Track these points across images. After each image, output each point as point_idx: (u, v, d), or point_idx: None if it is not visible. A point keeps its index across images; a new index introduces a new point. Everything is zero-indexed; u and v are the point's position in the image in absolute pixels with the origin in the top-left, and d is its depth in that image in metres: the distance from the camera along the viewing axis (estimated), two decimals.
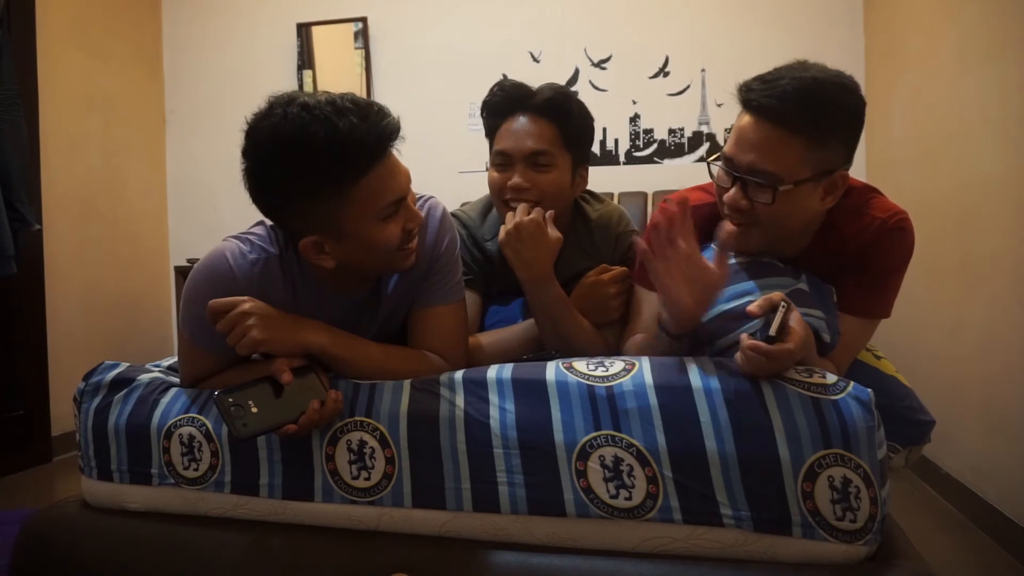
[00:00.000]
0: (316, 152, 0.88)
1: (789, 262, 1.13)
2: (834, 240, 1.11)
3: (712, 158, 1.09)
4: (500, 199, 1.34)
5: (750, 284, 1.05)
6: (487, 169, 1.41)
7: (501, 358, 1.14)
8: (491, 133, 1.37)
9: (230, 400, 0.90)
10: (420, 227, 1.04)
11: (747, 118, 1.02)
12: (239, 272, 1.00)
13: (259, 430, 0.91)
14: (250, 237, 1.05)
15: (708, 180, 1.22)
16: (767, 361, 0.86)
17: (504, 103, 1.34)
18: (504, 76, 3.26)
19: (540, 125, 1.30)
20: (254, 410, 0.91)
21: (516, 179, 1.29)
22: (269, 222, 1.05)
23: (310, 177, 0.89)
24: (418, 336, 1.12)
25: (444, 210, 1.14)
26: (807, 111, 0.96)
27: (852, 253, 1.10)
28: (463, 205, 1.54)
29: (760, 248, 1.09)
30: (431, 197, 1.14)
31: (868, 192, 1.12)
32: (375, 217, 0.95)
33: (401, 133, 0.95)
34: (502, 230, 1.26)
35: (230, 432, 0.94)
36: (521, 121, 1.31)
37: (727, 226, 1.06)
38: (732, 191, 1.04)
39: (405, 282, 1.11)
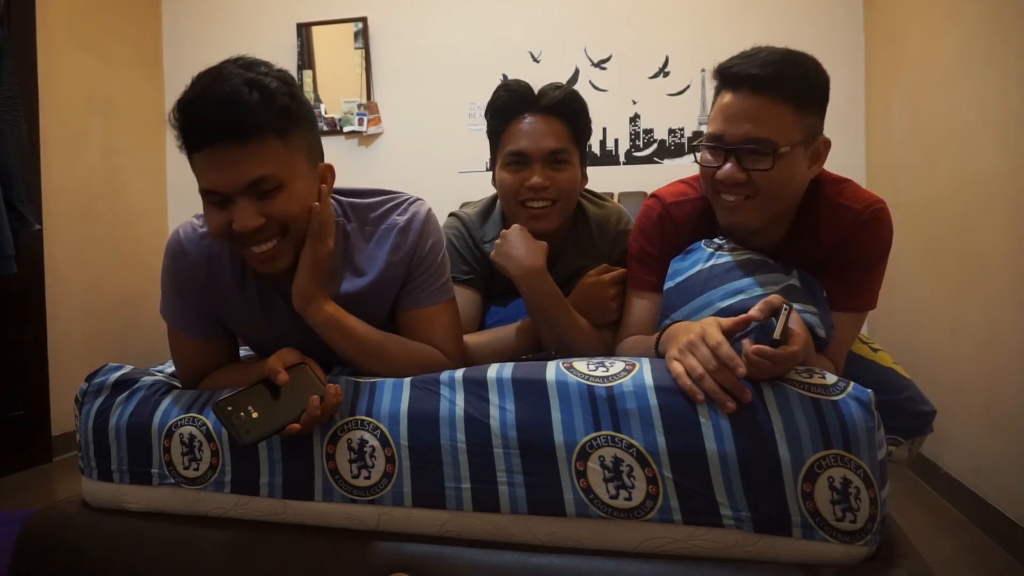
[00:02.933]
0: (174, 111, 0.94)
1: (773, 258, 1.13)
2: (810, 232, 1.12)
3: (699, 141, 1.10)
4: (516, 200, 1.32)
5: (744, 282, 1.06)
6: (489, 170, 1.40)
7: (493, 359, 1.14)
8: (496, 134, 1.37)
9: (229, 408, 0.90)
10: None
11: (729, 95, 1.04)
12: (188, 246, 1.06)
13: (262, 434, 0.91)
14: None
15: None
16: (772, 365, 0.86)
17: (512, 104, 1.33)
18: (504, 76, 3.29)
19: (553, 124, 1.31)
20: (255, 415, 0.91)
21: (536, 179, 1.29)
22: None
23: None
24: (411, 338, 1.11)
25: (429, 212, 1.13)
26: (793, 77, 1.01)
27: (829, 246, 1.11)
28: (463, 205, 1.53)
29: (759, 222, 1.10)
30: (417, 199, 1.14)
31: (842, 182, 1.14)
32: (203, 196, 0.96)
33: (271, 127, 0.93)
34: (503, 234, 1.27)
35: (233, 440, 0.94)
36: (533, 121, 1.31)
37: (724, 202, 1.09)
38: (727, 166, 1.05)
39: (380, 279, 1.10)
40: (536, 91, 1.33)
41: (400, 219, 1.10)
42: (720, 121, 1.05)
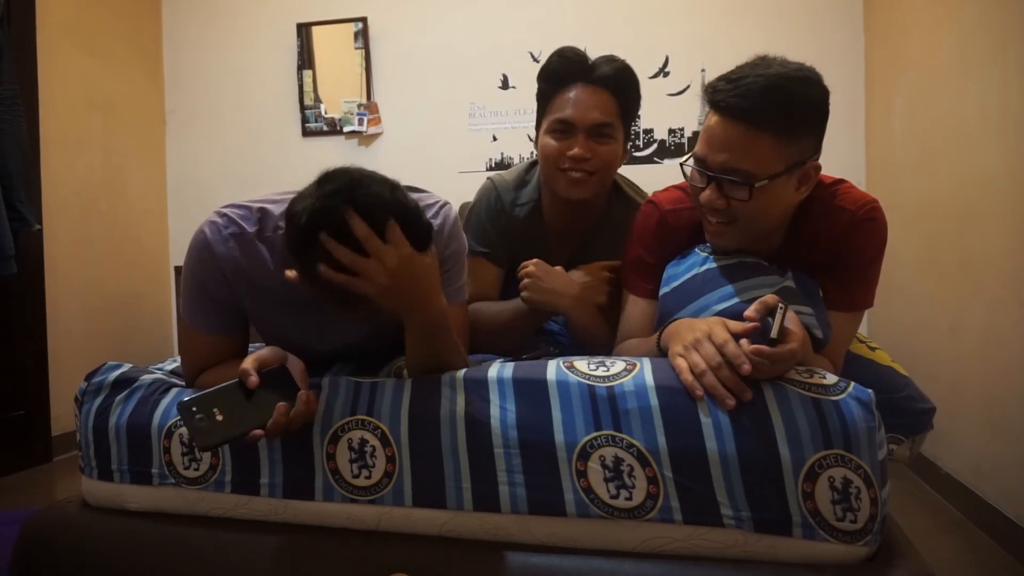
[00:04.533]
0: (290, 229, 0.90)
1: (770, 260, 1.13)
2: (807, 235, 1.12)
3: (684, 159, 1.09)
4: (556, 167, 1.33)
5: (739, 285, 1.07)
6: (535, 134, 1.41)
7: (487, 324, 1.23)
8: (545, 99, 1.37)
9: (193, 409, 0.86)
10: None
11: (715, 118, 1.02)
12: (215, 245, 1.03)
13: (222, 439, 0.87)
14: (229, 212, 1.06)
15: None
16: (771, 364, 0.87)
17: (564, 71, 1.34)
18: (504, 76, 3.29)
19: (602, 97, 1.32)
20: (219, 418, 0.86)
21: (578, 149, 1.30)
22: (259, 202, 1.07)
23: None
24: None
25: (456, 216, 1.15)
26: (774, 107, 0.97)
27: (825, 248, 1.11)
28: (513, 167, 1.53)
29: (739, 245, 1.11)
30: (446, 203, 1.15)
31: (837, 184, 1.13)
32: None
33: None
34: (523, 288, 1.30)
35: (194, 442, 0.91)
36: (583, 91, 1.32)
37: (707, 227, 1.08)
38: (707, 191, 1.05)
39: None
40: (590, 62, 1.34)
41: (433, 222, 1.10)
42: (703, 144, 1.04)
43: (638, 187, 1.52)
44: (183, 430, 1.02)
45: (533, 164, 1.47)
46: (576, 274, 1.34)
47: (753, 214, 1.03)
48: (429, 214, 1.11)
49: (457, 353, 1.05)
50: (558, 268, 1.32)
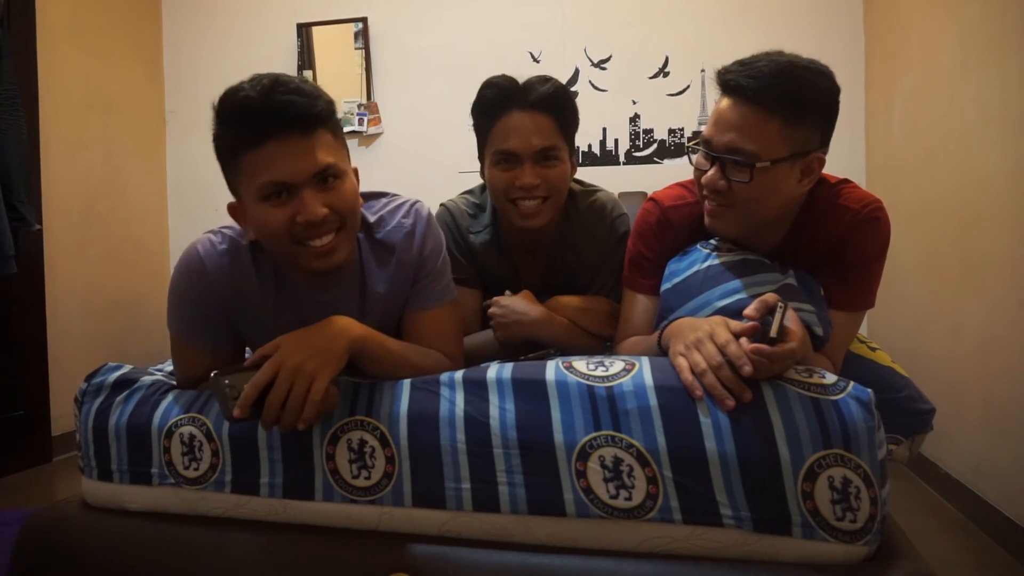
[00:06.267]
0: (219, 115, 0.97)
1: (771, 258, 1.13)
2: (809, 233, 1.12)
3: (692, 143, 1.10)
4: (507, 198, 1.32)
5: (740, 282, 1.07)
6: (481, 166, 1.40)
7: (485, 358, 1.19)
8: (484, 131, 1.35)
9: (226, 381, 0.89)
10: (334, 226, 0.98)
11: (725, 101, 1.04)
12: (209, 263, 1.04)
13: (252, 414, 0.89)
14: (224, 229, 1.08)
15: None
16: (770, 363, 0.87)
17: (499, 100, 1.32)
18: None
19: (541, 120, 1.30)
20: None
21: (527, 178, 1.29)
22: None
23: (216, 140, 0.98)
24: (414, 339, 1.12)
25: (429, 213, 1.14)
26: (783, 90, 0.99)
27: (827, 247, 1.11)
28: (463, 193, 1.52)
29: (738, 232, 1.11)
30: (417, 201, 1.14)
31: (841, 184, 1.14)
32: (256, 195, 0.95)
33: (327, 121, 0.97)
34: (492, 327, 1.32)
35: (222, 413, 0.92)
36: (520, 118, 1.30)
37: (706, 208, 1.10)
38: (711, 172, 1.06)
39: (392, 285, 1.10)
40: (521, 84, 1.32)
41: (406, 222, 1.11)
42: (711, 126, 1.06)
43: (585, 183, 1.49)
44: (183, 430, 1.02)
45: (484, 187, 1.45)
46: (571, 299, 1.35)
47: (753, 198, 1.04)
48: (399, 215, 1.11)
49: (405, 365, 1.05)
50: (522, 293, 1.33)
